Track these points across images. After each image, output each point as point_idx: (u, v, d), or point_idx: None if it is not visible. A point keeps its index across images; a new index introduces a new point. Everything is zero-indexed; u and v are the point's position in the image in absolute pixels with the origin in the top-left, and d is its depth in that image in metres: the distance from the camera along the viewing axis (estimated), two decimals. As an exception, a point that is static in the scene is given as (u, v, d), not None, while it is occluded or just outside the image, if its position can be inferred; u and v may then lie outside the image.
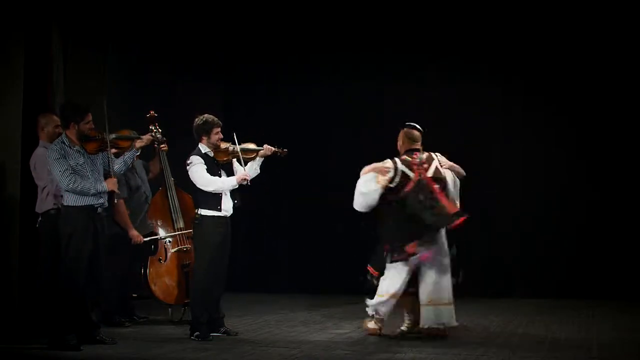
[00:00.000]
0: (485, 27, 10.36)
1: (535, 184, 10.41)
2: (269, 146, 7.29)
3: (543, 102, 10.42)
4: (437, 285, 7.07)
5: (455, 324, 7.15)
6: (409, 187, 7.00)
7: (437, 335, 7.04)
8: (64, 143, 6.68)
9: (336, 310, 9.01)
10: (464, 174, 7.33)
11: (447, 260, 7.14)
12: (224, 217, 7.12)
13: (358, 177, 7.57)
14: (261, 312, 8.89)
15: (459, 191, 7.27)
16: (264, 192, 10.53)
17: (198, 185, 7.06)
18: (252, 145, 7.30)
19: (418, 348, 6.57)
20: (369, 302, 7.24)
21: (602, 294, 9.74)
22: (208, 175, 7.02)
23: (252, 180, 7.28)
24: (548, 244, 10.28)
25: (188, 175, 7.13)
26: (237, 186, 7.10)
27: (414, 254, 6.98)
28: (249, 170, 7.24)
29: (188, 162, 7.07)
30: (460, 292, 9.66)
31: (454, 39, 10.45)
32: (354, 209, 7.27)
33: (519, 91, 10.51)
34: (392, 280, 7.11)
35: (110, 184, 6.72)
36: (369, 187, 7.08)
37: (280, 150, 7.35)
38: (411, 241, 6.96)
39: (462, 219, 6.97)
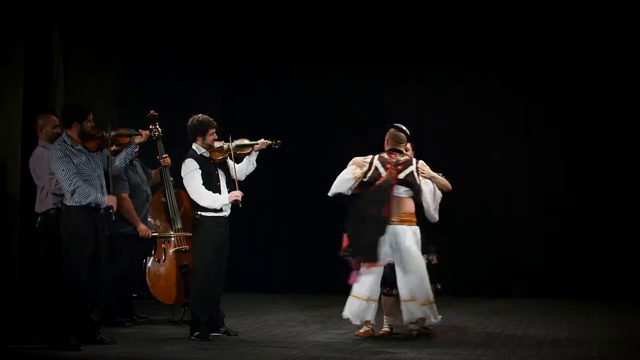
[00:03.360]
0: (486, 27, 10.38)
1: (535, 184, 10.41)
2: (263, 140, 7.29)
3: (543, 102, 10.44)
4: (415, 283, 7.00)
5: (434, 321, 7.05)
6: (377, 184, 7.04)
7: (420, 334, 7.06)
8: (66, 143, 6.67)
9: (336, 310, 8.96)
10: (450, 187, 7.21)
11: (418, 260, 7.05)
12: (223, 217, 7.09)
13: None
14: (261, 312, 8.89)
15: (438, 203, 7.22)
16: (264, 191, 10.55)
17: (191, 196, 7.02)
18: (246, 141, 7.26)
19: (418, 348, 6.56)
20: (347, 314, 7.20)
21: (602, 294, 9.75)
22: (202, 188, 6.96)
23: (249, 176, 7.28)
24: (548, 244, 10.28)
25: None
26: (228, 204, 7.02)
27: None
28: (246, 166, 7.25)
29: (184, 165, 7.03)
30: (460, 292, 9.74)
31: (454, 39, 10.45)
32: None
33: (519, 91, 10.52)
34: (365, 282, 7.14)
35: (110, 200, 6.73)
36: (344, 175, 7.15)
37: (274, 142, 7.32)
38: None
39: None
